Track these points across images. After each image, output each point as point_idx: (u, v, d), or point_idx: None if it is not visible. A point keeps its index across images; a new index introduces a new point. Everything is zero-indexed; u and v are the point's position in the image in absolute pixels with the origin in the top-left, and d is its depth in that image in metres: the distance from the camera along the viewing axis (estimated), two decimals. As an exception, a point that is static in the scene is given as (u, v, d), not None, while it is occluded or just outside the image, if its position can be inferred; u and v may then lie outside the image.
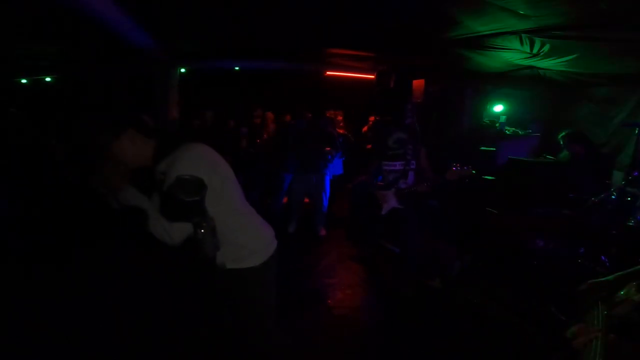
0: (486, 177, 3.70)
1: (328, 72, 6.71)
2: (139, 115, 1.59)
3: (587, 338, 1.14)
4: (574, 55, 3.53)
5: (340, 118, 6.50)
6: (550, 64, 4.02)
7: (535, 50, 3.48)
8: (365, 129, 6.60)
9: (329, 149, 4.71)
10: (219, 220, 1.47)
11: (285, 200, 5.63)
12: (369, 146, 5.89)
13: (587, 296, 1.46)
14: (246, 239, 1.62)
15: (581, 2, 2.38)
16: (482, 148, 4.05)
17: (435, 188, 3.42)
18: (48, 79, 7.01)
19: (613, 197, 3.08)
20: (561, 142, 3.77)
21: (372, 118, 6.43)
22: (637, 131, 3.00)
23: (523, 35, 3.14)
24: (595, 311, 1.31)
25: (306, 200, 5.31)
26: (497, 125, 5.19)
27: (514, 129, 5.10)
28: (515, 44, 3.38)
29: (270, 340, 1.80)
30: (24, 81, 6.99)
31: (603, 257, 3.05)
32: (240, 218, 1.64)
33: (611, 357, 1.08)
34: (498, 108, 5.21)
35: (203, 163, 1.48)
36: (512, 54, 3.89)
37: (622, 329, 1.25)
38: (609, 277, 1.48)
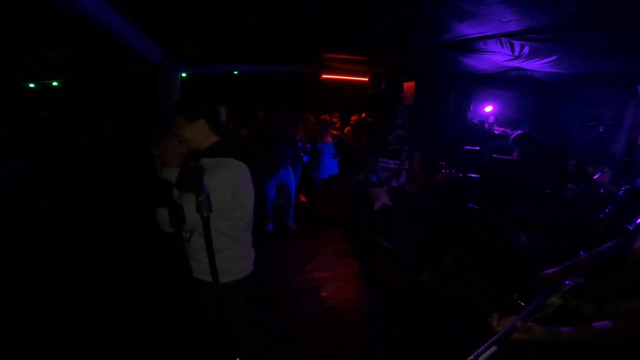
0: (470, 175, 3.85)
1: (324, 75, 6.87)
2: (216, 111, 1.84)
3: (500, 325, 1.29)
4: (555, 57, 3.68)
5: (335, 120, 6.67)
6: (536, 65, 4.16)
7: (516, 53, 3.63)
8: (347, 129, 6.70)
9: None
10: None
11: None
12: (352, 145, 6.01)
13: (540, 285, 1.63)
14: (220, 262, 1.66)
15: (548, 7, 2.53)
16: (466, 147, 4.20)
17: (424, 188, 3.58)
18: (55, 83, 7.22)
19: (590, 192, 3.22)
20: (513, 143, 3.93)
21: (354, 118, 6.54)
22: (601, 129, 3.13)
23: (502, 38, 3.29)
24: (534, 299, 1.48)
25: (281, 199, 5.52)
26: (487, 125, 5.32)
27: (503, 129, 5.23)
28: (497, 46, 3.53)
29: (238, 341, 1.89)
30: (31, 85, 7.21)
31: (582, 252, 3.18)
32: (227, 242, 1.73)
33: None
34: (488, 108, 5.35)
35: (231, 185, 1.66)
36: (498, 56, 4.04)
37: (556, 316, 1.41)
38: (557, 268, 1.65)
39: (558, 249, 3.29)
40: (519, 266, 3.44)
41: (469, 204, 3.68)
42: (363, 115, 6.37)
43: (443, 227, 4.22)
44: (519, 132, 3.88)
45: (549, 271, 1.66)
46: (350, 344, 2.92)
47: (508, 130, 5.17)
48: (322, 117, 5.92)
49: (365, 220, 4.61)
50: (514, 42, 3.31)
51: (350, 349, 2.87)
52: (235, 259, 1.80)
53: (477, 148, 4.20)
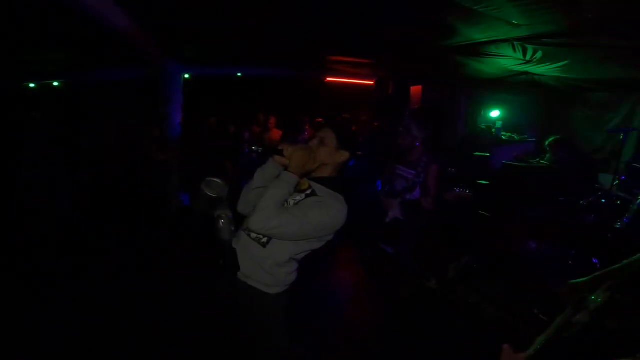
0: (481, 181, 3.79)
1: (328, 78, 6.81)
2: (358, 149, 1.78)
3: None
4: (567, 62, 3.63)
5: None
6: (545, 70, 4.11)
7: (528, 57, 3.58)
8: None
9: None
10: (282, 249, 1.63)
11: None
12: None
13: (567, 296, 1.55)
14: (280, 274, 1.70)
15: (568, 11, 2.48)
16: (477, 153, 4.15)
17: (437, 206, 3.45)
18: (56, 84, 7.14)
19: (603, 200, 3.16)
20: (547, 148, 3.92)
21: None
22: (622, 137, 3.08)
23: (515, 43, 3.24)
24: (559, 318, 1.40)
25: None
26: (494, 130, 5.27)
27: (510, 134, 5.19)
28: (509, 51, 3.47)
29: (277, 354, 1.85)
30: (32, 85, 7.13)
31: (595, 259, 3.12)
32: (293, 262, 1.74)
33: None
34: (494, 113, 5.30)
35: (335, 224, 1.63)
36: (507, 61, 3.98)
37: (580, 335, 1.34)
38: (587, 278, 1.57)
39: (569, 257, 3.24)
40: (528, 274, 3.39)
41: (480, 212, 3.61)
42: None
43: (450, 234, 4.16)
44: (554, 137, 3.80)
45: (578, 281, 1.58)
46: (355, 351, 2.87)
47: (515, 136, 5.13)
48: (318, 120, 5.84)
49: (371, 226, 4.54)
50: (527, 46, 3.25)
51: (354, 356, 2.82)
52: (290, 272, 1.79)
53: (488, 155, 4.15)
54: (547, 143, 3.94)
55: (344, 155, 1.69)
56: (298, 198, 1.63)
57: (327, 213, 1.57)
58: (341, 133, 1.68)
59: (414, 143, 3.48)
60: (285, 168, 1.59)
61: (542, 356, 1.24)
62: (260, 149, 1.59)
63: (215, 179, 1.24)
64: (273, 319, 1.76)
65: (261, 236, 1.61)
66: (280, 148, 1.60)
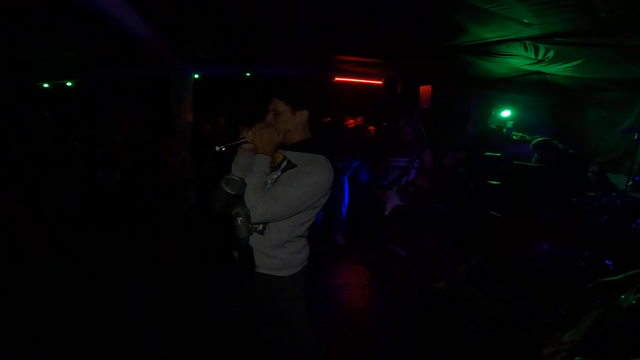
0: (492, 182, 3.77)
1: (337, 78, 6.80)
2: (320, 104, 1.68)
3: (554, 351, 1.21)
4: (579, 61, 3.58)
5: (351, 122, 6.55)
6: (557, 70, 4.07)
7: (540, 57, 3.54)
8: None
9: (339, 156, 4.56)
10: (279, 229, 1.63)
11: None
12: None
13: (595, 295, 1.52)
14: (286, 255, 1.71)
15: (581, 10, 2.45)
16: (488, 153, 4.12)
17: (438, 187, 3.52)
18: (69, 84, 7.25)
19: (617, 201, 3.11)
20: (533, 149, 3.99)
21: (351, 122, 6.32)
22: (636, 137, 3.04)
23: (527, 42, 3.20)
24: (590, 316, 1.38)
25: None
26: (505, 130, 5.22)
27: (521, 134, 5.13)
28: (520, 50, 3.44)
29: (300, 342, 1.91)
30: (45, 85, 7.25)
31: (608, 261, 3.08)
32: (296, 239, 1.74)
33: None
34: (505, 113, 5.25)
35: (319, 189, 1.56)
36: (518, 60, 3.95)
37: (612, 334, 1.32)
38: (618, 277, 1.54)
39: (582, 258, 3.19)
40: (539, 275, 3.35)
41: (490, 212, 3.58)
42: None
43: (459, 235, 4.13)
44: (539, 138, 3.81)
45: (607, 279, 1.55)
46: (363, 352, 2.85)
47: (526, 136, 5.08)
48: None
49: (376, 226, 4.53)
50: (539, 45, 3.21)
51: (361, 357, 2.80)
52: (297, 253, 1.78)
53: (499, 155, 4.12)
54: (532, 144, 3.98)
55: (304, 114, 1.62)
56: (275, 176, 1.61)
57: (307, 182, 1.51)
58: (288, 95, 1.61)
59: (417, 135, 3.66)
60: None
61: (580, 351, 1.22)
62: (223, 147, 1.55)
63: (234, 176, 1.23)
64: (292, 301, 1.80)
65: (256, 225, 1.63)
66: (241, 137, 1.58)
